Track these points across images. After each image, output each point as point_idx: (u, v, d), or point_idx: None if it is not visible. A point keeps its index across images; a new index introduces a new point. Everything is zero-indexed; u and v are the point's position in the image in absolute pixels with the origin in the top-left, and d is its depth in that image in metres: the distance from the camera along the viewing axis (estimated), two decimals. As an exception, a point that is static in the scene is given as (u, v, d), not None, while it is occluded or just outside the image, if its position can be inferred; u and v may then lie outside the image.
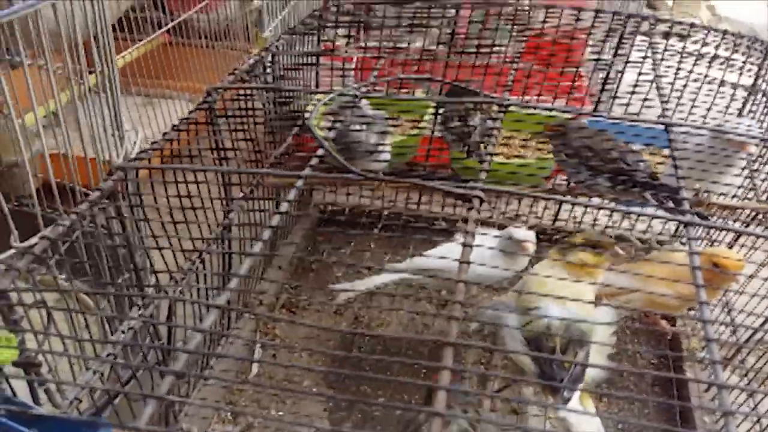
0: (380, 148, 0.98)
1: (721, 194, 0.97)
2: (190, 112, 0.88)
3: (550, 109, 0.91)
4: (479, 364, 1.10)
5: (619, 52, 1.17)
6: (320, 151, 0.78)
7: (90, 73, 0.87)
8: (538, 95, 1.17)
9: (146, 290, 0.84)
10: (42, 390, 0.69)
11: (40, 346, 0.67)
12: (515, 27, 1.16)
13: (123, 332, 0.81)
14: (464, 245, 0.64)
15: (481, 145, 1.05)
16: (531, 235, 1.01)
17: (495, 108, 0.99)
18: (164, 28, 1.45)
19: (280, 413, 1.06)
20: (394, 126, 1.02)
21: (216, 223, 0.92)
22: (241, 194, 0.97)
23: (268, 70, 1.06)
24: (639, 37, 1.13)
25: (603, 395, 1.03)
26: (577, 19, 1.15)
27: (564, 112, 0.92)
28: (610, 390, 1.07)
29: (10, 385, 0.64)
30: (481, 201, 0.69)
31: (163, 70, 1.56)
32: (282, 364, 1.16)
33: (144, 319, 0.82)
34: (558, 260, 0.89)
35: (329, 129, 0.87)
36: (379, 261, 1.30)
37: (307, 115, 0.83)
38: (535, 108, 0.98)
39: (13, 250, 0.71)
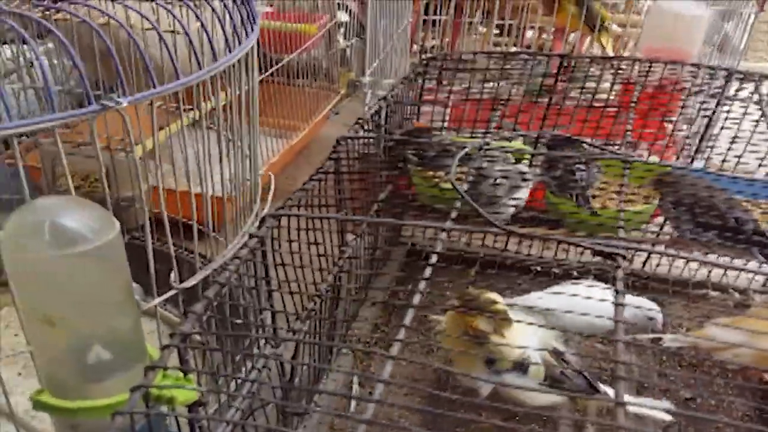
0: (505, 201, 1.01)
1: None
2: (326, 161, 0.92)
3: (668, 165, 0.93)
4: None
5: (720, 106, 1.19)
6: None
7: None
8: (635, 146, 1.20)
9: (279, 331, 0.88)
10: (197, 426, 0.73)
11: (199, 385, 0.71)
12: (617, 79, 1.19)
13: (259, 370, 0.85)
14: (616, 304, 0.66)
15: (588, 195, 1.08)
16: None
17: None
18: (271, 70, 1.51)
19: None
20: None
21: (333, 264, 0.97)
22: (353, 238, 1.02)
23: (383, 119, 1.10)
24: (742, 93, 1.16)
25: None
26: (679, 73, 1.18)
27: (679, 168, 0.95)
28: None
29: (177, 423, 0.68)
30: (624, 258, 0.72)
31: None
32: (381, 401, 1.18)
33: (279, 358, 0.86)
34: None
35: (466, 181, 0.90)
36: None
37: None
38: (654, 164, 1.01)
39: (174, 291, 0.75)
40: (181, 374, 0.64)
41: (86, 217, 0.54)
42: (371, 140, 1.03)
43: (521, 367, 0.87)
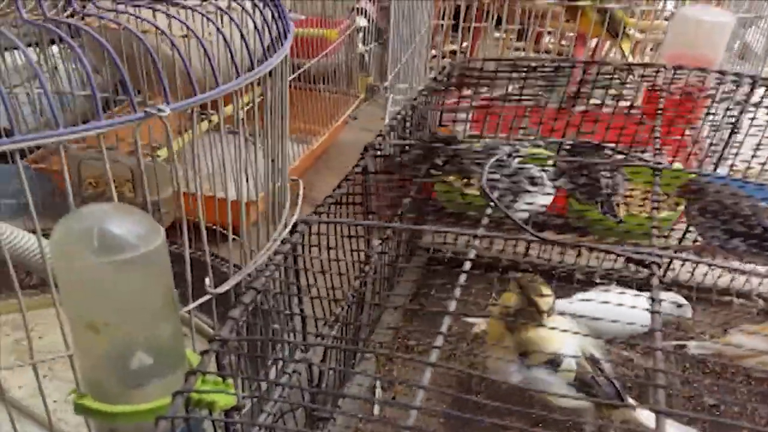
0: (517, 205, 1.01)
1: None
2: (354, 167, 0.93)
3: (696, 173, 0.93)
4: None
5: (744, 113, 1.19)
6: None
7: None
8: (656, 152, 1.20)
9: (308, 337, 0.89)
10: (233, 430, 0.73)
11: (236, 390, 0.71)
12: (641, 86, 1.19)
13: (290, 375, 0.85)
14: (652, 312, 0.66)
15: (613, 203, 1.08)
16: None
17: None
18: (293, 75, 1.52)
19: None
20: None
21: (359, 270, 0.97)
22: (378, 243, 1.02)
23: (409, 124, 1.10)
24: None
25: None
26: (703, 80, 1.17)
27: (719, 178, 0.95)
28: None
29: (214, 427, 0.69)
30: (659, 266, 0.72)
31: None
32: (405, 404, 1.18)
33: (309, 362, 0.86)
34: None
35: (494, 188, 0.91)
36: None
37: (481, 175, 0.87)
38: (683, 171, 1.01)
39: (208, 296, 0.76)
40: (218, 379, 0.64)
41: (132, 223, 0.54)
42: (397, 147, 1.04)
43: (552, 364, 0.87)
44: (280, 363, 0.90)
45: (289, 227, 0.84)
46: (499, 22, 1.65)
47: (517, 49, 1.75)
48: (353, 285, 0.97)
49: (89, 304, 0.55)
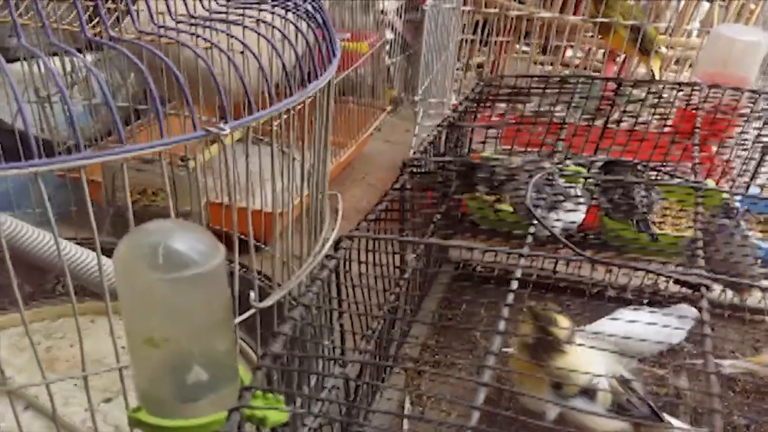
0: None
1: None
2: (393, 183, 0.93)
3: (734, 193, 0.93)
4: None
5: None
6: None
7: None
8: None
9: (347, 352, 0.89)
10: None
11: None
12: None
13: (329, 390, 0.86)
14: (703, 336, 0.66)
15: (648, 220, 1.08)
16: None
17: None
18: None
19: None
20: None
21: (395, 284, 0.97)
22: (413, 257, 1.02)
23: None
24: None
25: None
26: (738, 100, 1.17)
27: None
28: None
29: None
30: (708, 288, 0.72)
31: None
32: (432, 420, 1.19)
33: (347, 377, 0.86)
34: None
35: (537, 206, 0.91)
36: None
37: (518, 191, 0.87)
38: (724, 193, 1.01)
39: (253, 310, 0.76)
40: (268, 394, 0.65)
41: (195, 240, 0.54)
42: (433, 164, 1.04)
43: (589, 392, 0.87)
44: (320, 377, 0.90)
45: (330, 242, 0.84)
46: (523, 35, 1.66)
47: (542, 63, 1.75)
48: (388, 299, 0.97)
49: (150, 319, 0.56)
